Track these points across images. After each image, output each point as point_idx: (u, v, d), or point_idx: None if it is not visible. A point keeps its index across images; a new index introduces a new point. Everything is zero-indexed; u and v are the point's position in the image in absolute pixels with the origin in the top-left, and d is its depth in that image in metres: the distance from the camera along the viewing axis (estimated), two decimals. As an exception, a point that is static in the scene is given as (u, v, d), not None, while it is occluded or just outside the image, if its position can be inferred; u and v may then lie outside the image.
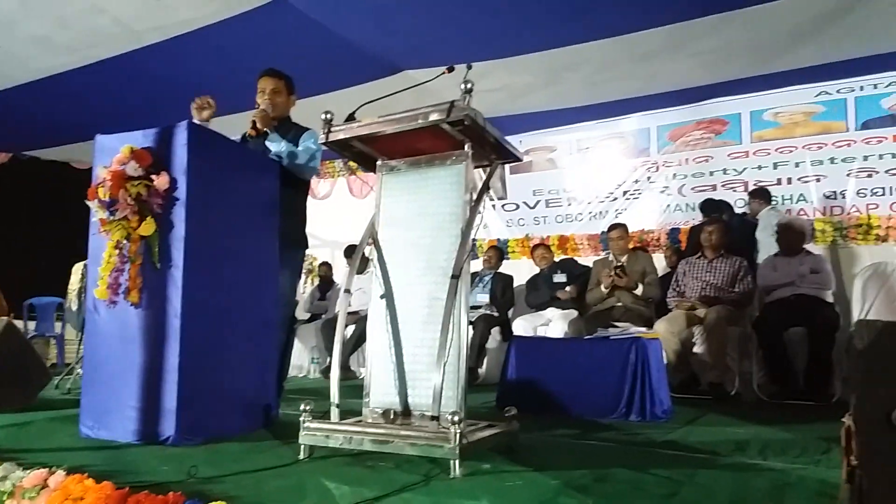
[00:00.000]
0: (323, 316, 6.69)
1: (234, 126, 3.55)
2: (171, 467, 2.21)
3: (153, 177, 2.69)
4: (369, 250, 2.64)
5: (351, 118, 2.62)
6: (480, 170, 2.64)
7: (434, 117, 2.31)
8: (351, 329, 5.77)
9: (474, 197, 2.43)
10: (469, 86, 2.29)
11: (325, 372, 5.72)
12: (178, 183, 2.70)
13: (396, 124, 2.40)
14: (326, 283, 7.28)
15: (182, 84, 5.54)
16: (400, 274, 2.53)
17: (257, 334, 3.02)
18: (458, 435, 2.04)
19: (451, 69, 2.76)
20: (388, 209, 2.62)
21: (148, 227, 2.68)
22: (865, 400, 1.09)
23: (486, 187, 2.47)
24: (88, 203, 2.75)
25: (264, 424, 2.99)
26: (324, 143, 2.58)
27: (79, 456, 2.35)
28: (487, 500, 1.80)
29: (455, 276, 2.22)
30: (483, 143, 2.47)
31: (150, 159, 2.72)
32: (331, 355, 5.83)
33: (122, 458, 2.37)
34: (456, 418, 2.04)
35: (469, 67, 2.54)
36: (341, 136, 2.52)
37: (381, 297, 2.53)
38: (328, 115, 2.57)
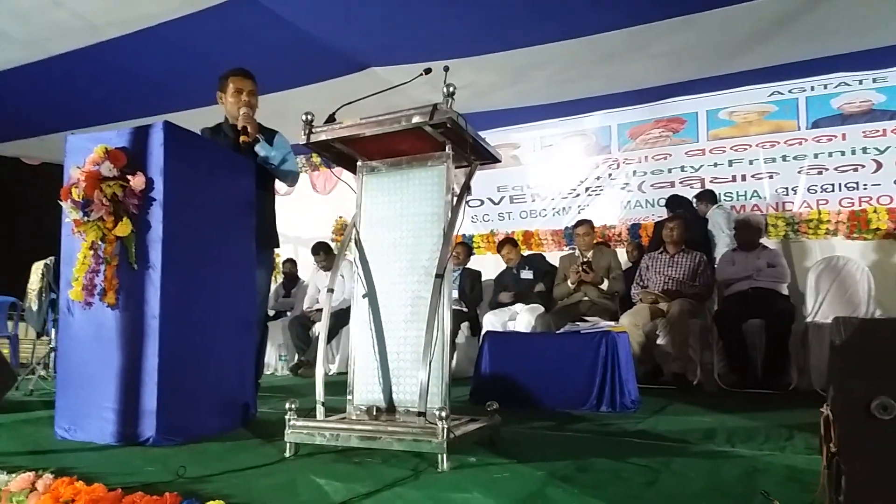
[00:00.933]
0: (288, 313, 6.66)
1: (196, 122, 3.50)
2: (156, 468, 2.21)
3: (129, 177, 2.67)
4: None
5: (331, 119, 2.64)
6: (459, 170, 2.70)
7: (417, 120, 2.35)
8: (318, 326, 5.78)
9: (455, 198, 2.49)
10: (452, 89, 2.34)
11: (294, 369, 5.71)
12: (155, 183, 2.68)
13: (378, 126, 2.44)
14: (291, 279, 7.25)
15: (143, 79, 5.45)
16: (382, 273, 2.57)
17: (235, 334, 3.02)
18: (445, 430, 2.09)
19: (428, 71, 2.81)
20: (369, 210, 2.66)
21: (124, 228, 2.66)
22: (845, 392, 1.18)
23: (466, 188, 2.52)
24: (62, 203, 2.71)
25: (243, 423, 3.00)
26: (305, 144, 2.59)
27: (59, 458, 2.34)
28: (479, 492, 1.86)
29: (439, 276, 2.28)
30: (463, 145, 2.52)
31: (124, 160, 2.70)
32: (299, 352, 5.85)
33: (105, 459, 2.36)
34: (443, 414, 2.10)
35: (446, 69, 2.59)
36: (323, 137, 2.54)
37: (364, 296, 2.57)
38: (309, 116, 2.59)
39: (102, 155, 2.67)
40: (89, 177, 2.64)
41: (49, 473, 1.94)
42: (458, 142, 2.49)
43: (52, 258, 5.36)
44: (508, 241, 6.06)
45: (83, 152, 2.73)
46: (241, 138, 3.18)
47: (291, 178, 3.47)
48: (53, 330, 5.29)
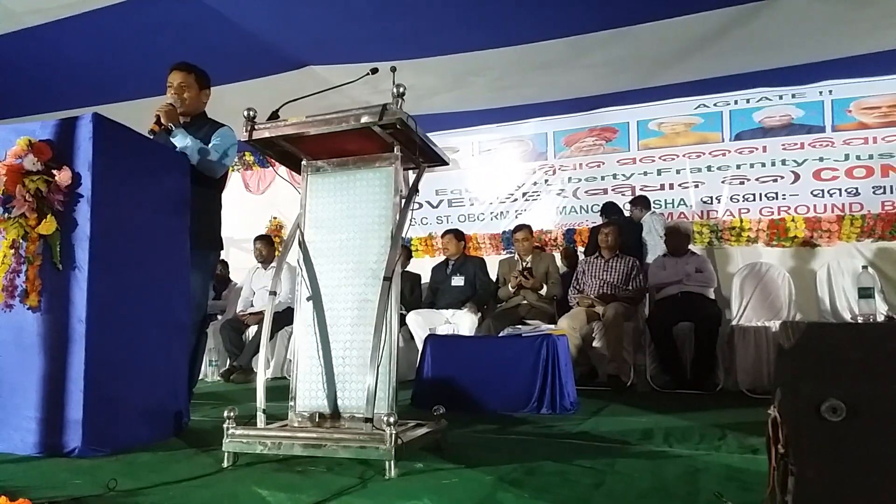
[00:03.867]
0: (219, 316, 6.44)
1: (125, 116, 3.33)
2: (84, 480, 2.09)
3: (54, 172, 2.52)
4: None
5: (275, 116, 2.57)
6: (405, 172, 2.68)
7: (366, 119, 2.32)
8: (254, 330, 5.61)
9: (403, 200, 2.46)
10: (402, 89, 2.32)
11: (226, 375, 5.51)
12: (82, 178, 2.54)
13: (325, 125, 2.39)
14: (221, 281, 7.00)
15: (67, 70, 5.17)
16: (327, 276, 2.51)
17: (167, 339, 2.88)
18: (393, 436, 2.06)
19: (375, 71, 2.77)
20: (314, 210, 2.59)
21: (48, 226, 2.50)
22: (794, 394, 1.22)
23: (414, 190, 2.50)
24: (-21, 199, 2.53)
25: (175, 433, 2.87)
26: (247, 141, 2.50)
27: (-25, 472, 2.17)
28: (429, 499, 1.83)
29: (387, 279, 2.24)
30: (411, 146, 2.50)
31: (50, 153, 2.55)
32: (231, 357, 5.66)
33: (28, 471, 2.21)
34: (391, 419, 2.07)
35: (394, 70, 2.57)
36: (266, 134, 2.46)
37: (308, 299, 2.50)
38: (251, 112, 2.51)
39: (26, 147, 2.51)
40: (11, 170, 2.47)
41: (-34, 489, 1.80)
42: (406, 143, 2.47)
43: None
44: (453, 232, 5.79)
45: (4, 144, 2.56)
46: (151, 126, 3.03)
47: (215, 170, 3.24)
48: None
